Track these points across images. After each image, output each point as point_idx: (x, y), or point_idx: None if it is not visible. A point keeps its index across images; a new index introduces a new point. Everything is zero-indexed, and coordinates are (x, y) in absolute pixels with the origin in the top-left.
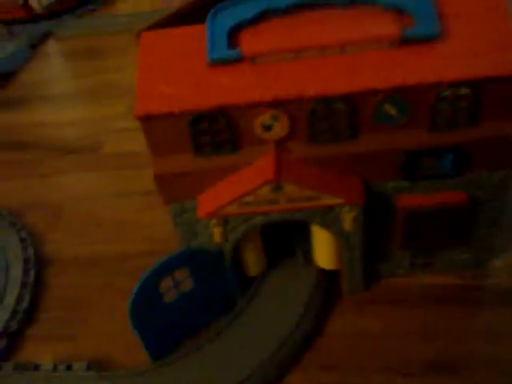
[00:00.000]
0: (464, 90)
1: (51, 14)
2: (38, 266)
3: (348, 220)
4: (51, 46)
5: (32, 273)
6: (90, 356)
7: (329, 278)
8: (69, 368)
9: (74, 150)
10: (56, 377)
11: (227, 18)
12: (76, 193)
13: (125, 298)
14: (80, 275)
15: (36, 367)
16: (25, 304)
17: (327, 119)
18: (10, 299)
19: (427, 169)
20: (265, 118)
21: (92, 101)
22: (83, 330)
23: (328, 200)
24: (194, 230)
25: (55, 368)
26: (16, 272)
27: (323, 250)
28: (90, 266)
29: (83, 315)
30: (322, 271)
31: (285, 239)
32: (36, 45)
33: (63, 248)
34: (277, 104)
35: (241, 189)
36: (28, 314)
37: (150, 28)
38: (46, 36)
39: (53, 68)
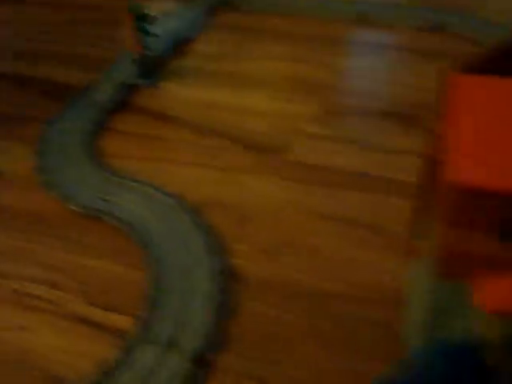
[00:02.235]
0: None
1: None
2: (227, 283)
3: None
4: (229, 18)
5: (224, 290)
6: None
7: None
8: None
9: (257, 146)
10: None
11: None
12: (261, 199)
13: (325, 346)
14: (275, 305)
15: None
16: (214, 328)
17: None
18: (197, 317)
19: None
20: None
21: (279, 92)
22: (274, 374)
23: None
24: (451, 310)
25: None
26: (202, 283)
27: None
28: (287, 296)
29: (276, 356)
30: None
31: None
32: (213, 14)
33: (251, 265)
34: None
35: None
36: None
37: (466, 69)
38: (223, 5)
39: (226, 43)
